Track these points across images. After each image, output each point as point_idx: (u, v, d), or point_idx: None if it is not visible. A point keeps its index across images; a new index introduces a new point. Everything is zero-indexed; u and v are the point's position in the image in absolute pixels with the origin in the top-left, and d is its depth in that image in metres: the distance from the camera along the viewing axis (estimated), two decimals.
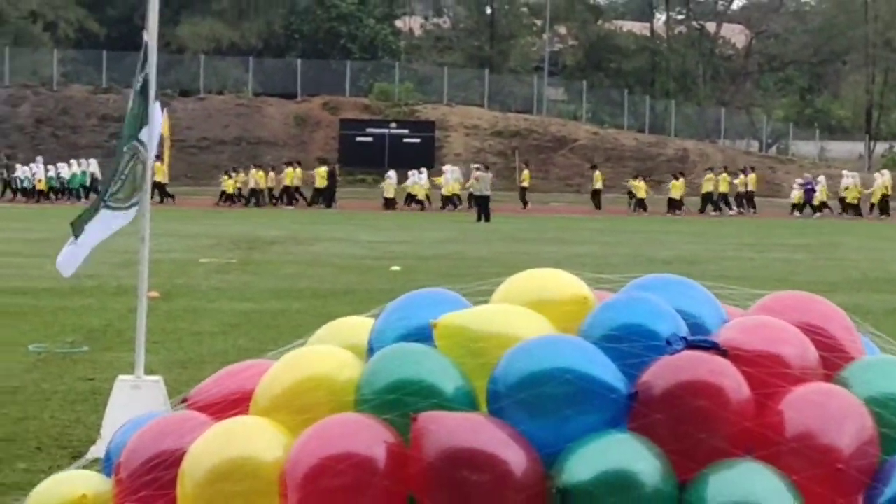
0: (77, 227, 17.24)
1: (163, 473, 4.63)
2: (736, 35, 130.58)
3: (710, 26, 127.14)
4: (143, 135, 17.28)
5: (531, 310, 4.87)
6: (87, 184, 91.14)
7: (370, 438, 4.47)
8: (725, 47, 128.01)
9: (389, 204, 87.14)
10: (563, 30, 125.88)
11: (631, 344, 4.57)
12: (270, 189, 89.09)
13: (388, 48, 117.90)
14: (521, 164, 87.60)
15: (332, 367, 4.78)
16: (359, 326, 5.07)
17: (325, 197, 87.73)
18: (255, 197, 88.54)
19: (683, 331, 4.77)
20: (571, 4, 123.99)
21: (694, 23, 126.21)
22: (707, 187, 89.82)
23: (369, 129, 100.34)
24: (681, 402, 4.42)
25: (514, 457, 4.24)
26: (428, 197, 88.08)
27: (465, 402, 4.49)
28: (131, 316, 18.80)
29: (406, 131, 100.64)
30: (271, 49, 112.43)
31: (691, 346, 4.68)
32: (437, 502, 4.32)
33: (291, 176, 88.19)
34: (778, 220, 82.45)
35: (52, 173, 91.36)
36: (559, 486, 4.23)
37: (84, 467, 8.83)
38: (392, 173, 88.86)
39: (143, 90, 17.31)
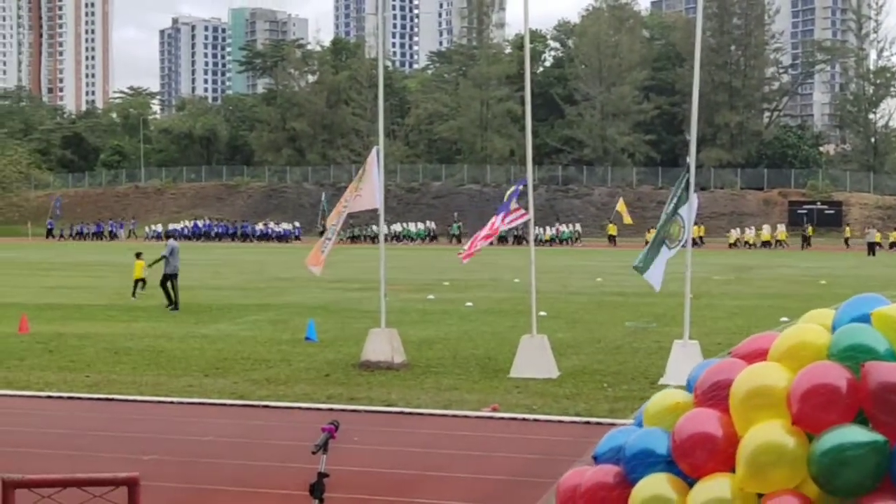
0: (646, 261, 17.19)
1: (722, 392, 4.43)
2: None
3: None
4: (682, 210, 16.99)
5: None
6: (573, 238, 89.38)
7: (838, 374, 4.20)
8: None
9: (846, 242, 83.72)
10: None
11: None
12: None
13: (816, 161, 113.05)
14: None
15: (814, 337, 4.46)
16: (824, 314, 4.75)
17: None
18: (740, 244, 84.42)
19: None
20: None
21: None
22: None
23: (805, 206, 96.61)
24: None
25: None
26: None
27: (890, 357, 4.17)
28: (680, 308, 18.50)
29: (826, 207, 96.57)
30: (749, 163, 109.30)
31: None
32: (876, 411, 4.01)
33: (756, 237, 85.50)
34: None
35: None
36: None
37: (657, 389, 8.58)
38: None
39: (686, 187, 16.99)
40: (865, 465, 4.16)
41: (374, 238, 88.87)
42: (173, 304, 28.43)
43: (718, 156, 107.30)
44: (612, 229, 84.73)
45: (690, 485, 4.52)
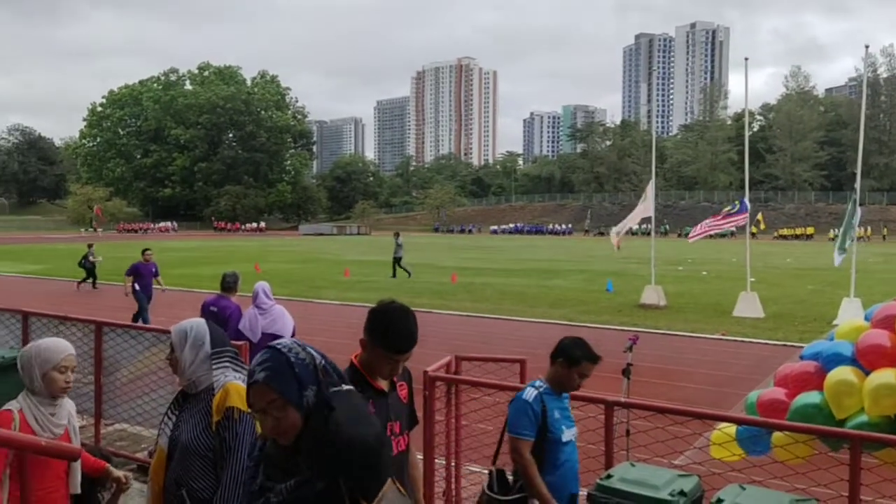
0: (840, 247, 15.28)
1: (890, 320, 4.05)
2: None
3: None
4: (854, 219, 15.06)
5: None
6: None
7: None
8: None
9: None
10: None
11: None
12: None
13: None
14: None
15: None
16: None
17: None
18: None
19: None
20: None
21: None
22: None
23: None
24: None
25: None
26: None
27: None
28: (846, 277, 16.37)
29: None
30: (893, 188, 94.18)
31: None
32: None
33: None
34: None
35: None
36: None
37: (831, 328, 7.57)
38: None
39: (854, 203, 15.04)
40: None
41: (634, 233, 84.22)
42: (408, 272, 24.19)
43: (871, 185, 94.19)
44: (754, 229, 76.97)
45: (866, 374, 4.28)
